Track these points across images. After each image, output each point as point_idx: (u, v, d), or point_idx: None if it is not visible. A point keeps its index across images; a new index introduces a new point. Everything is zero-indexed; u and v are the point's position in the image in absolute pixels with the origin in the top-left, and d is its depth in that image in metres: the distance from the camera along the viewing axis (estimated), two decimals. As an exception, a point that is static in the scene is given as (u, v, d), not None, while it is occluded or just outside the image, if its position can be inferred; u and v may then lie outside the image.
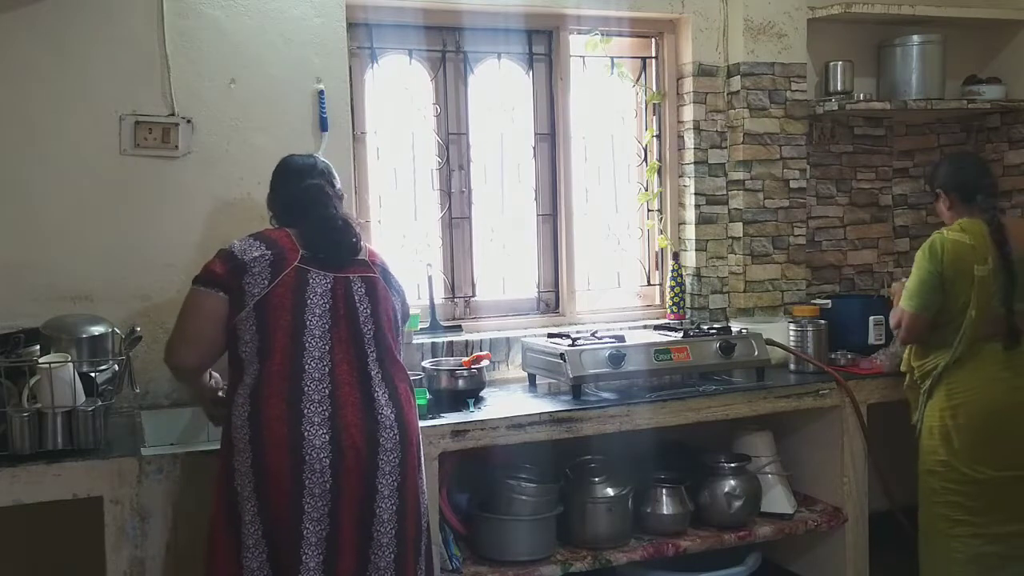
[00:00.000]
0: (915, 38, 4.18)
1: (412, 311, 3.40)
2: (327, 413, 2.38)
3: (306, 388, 2.39)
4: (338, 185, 2.76)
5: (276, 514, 2.35)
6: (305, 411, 2.37)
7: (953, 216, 3.26)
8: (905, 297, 3.20)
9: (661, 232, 4.14)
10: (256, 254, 2.46)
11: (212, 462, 2.64)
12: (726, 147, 4.07)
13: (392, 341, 2.57)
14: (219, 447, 2.48)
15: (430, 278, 3.70)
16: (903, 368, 3.34)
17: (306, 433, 2.35)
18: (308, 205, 2.59)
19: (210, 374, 2.74)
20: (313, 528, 2.35)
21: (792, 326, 3.67)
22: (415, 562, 2.52)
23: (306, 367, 2.40)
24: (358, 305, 2.50)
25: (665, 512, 3.32)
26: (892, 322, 3.33)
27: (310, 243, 2.51)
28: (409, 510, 2.49)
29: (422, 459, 2.58)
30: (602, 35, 3.92)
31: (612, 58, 4.05)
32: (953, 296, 3.12)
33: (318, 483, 2.35)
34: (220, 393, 2.71)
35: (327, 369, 2.42)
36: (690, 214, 4.06)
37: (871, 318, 3.82)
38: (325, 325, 2.44)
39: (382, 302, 2.55)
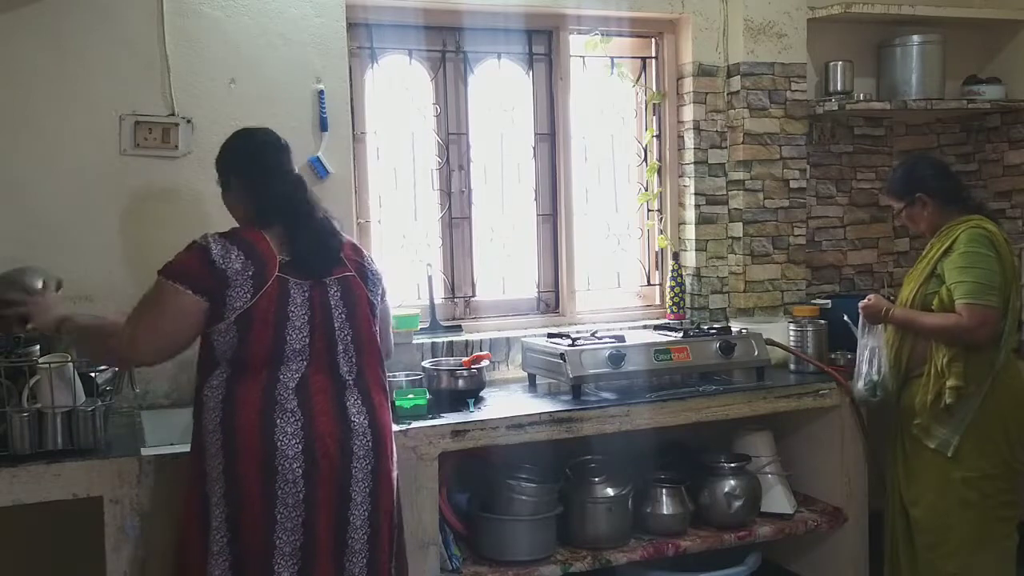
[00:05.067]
0: (915, 38, 4.19)
1: (412, 311, 3.42)
2: (299, 423, 2.34)
3: (279, 398, 2.34)
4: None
5: (246, 523, 2.31)
6: (278, 421, 2.32)
7: (933, 220, 3.21)
8: (983, 292, 3.00)
9: (661, 232, 4.14)
10: (238, 266, 2.33)
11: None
12: (726, 147, 4.07)
13: (370, 342, 2.50)
14: (190, 448, 2.43)
15: (430, 278, 3.70)
16: (931, 395, 3.10)
17: (279, 444, 2.31)
18: (295, 207, 2.44)
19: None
20: (287, 538, 2.32)
21: (792, 326, 3.67)
22: (388, 564, 2.50)
23: (281, 378, 2.36)
24: (333, 311, 2.43)
25: (665, 512, 3.32)
26: (972, 323, 2.99)
27: (293, 249, 2.40)
28: (382, 513, 2.46)
29: (394, 460, 2.54)
30: (602, 35, 3.92)
31: (612, 58, 4.05)
32: (1004, 288, 3.06)
33: (291, 493, 2.32)
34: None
35: (301, 379, 2.37)
36: (690, 214, 4.06)
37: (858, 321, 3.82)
38: (305, 339, 2.39)
39: (359, 303, 2.48)
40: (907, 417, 3.22)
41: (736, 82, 4.00)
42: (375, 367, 2.53)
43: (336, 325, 2.44)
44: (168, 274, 2.35)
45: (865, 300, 3.32)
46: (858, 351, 3.33)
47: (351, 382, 2.45)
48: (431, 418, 2.98)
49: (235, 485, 2.31)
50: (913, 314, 3.18)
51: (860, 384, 3.32)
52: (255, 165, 2.51)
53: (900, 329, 3.24)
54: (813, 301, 4.00)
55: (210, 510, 2.34)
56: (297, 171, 2.56)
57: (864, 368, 3.30)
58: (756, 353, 3.47)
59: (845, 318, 3.40)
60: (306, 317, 2.39)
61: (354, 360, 2.46)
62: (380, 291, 2.61)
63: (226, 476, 2.32)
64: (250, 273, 2.34)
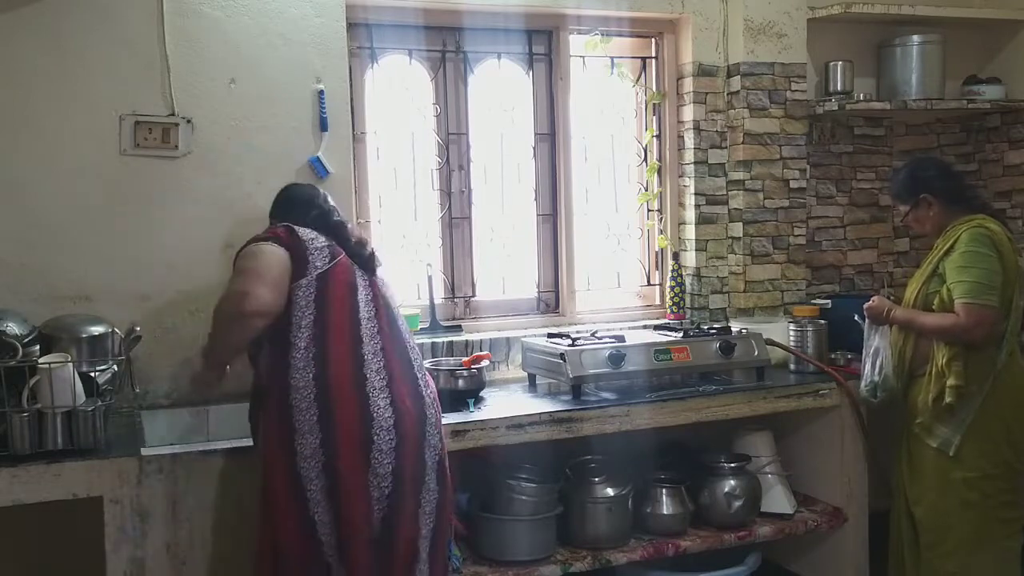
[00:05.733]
0: (915, 38, 4.19)
1: (412, 311, 3.42)
2: (385, 381, 2.54)
3: (366, 356, 2.54)
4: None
5: (343, 466, 2.44)
6: (368, 376, 2.52)
7: (939, 220, 3.21)
8: (981, 292, 3.00)
9: (661, 232, 4.14)
10: (312, 236, 2.63)
11: (213, 462, 2.65)
12: (726, 147, 4.07)
13: (410, 342, 2.74)
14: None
15: (430, 278, 3.70)
16: (932, 394, 3.10)
17: (371, 395, 2.50)
18: (329, 226, 2.74)
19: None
20: (376, 483, 2.47)
21: (792, 326, 3.67)
22: (445, 534, 2.65)
23: (363, 338, 2.56)
24: (391, 302, 2.73)
25: (665, 512, 3.32)
26: (969, 322, 3.00)
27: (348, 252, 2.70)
28: (446, 484, 2.64)
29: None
30: (602, 35, 3.92)
31: (612, 58, 4.05)
32: (1006, 287, 3.06)
33: (385, 440, 2.48)
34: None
35: (379, 346, 2.58)
36: (690, 214, 4.06)
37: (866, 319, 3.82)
38: (371, 311, 2.62)
39: (398, 307, 2.77)
40: (910, 416, 3.22)
41: (736, 82, 4.00)
42: (418, 363, 2.74)
43: (394, 314, 2.71)
44: (257, 239, 2.61)
45: (869, 301, 3.32)
46: (863, 352, 3.33)
47: (418, 362, 2.69)
48: (431, 418, 2.98)
49: (333, 434, 2.44)
50: (914, 314, 3.19)
51: (862, 385, 3.33)
52: (288, 208, 2.85)
53: (903, 329, 3.25)
54: (813, 301, 4.00)
55: (302, 463, 2.44)
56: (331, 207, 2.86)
57: (866, 369, 3.31)
58: (756, 353, 3.47)
59: (856, 318, 3.40)
60: (368, 296, 2.64)
61: (411, 346, 2.72)
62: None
63: (322, 426, 2.44)
64: (324, 243, 2.63)
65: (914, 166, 3.38)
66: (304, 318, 2.52)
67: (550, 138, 3.96)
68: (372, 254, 2.74)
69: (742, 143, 4.00)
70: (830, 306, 3.87)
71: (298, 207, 2.81)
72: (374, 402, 2.49)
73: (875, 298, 3.34)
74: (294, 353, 2.50)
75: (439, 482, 2.61)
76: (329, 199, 2.89)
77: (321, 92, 3.36)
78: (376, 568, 2.48)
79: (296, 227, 2.64)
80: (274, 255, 2.55)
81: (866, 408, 3.47)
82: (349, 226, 2.80)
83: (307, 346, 2.50)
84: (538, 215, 3.98)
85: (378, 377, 2.53)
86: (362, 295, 2.62)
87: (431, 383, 2.72)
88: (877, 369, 3.27)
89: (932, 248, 3.25)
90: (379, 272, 2.75)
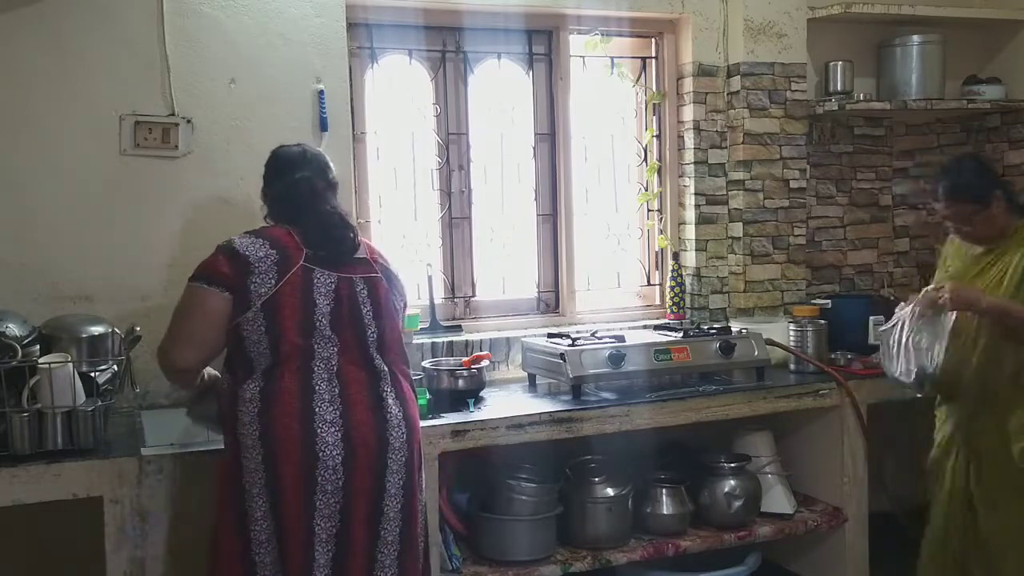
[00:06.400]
0: (915, 38, 4.19)
1: (412, 311, 3.41)
2: (338, 412, 2.40)
3: (317, 387, 2.40)
4: (332, 175, 2.67)
5: (287, 511, 2.36)
6: (317, 409, 2.38)
7: (1004, 220, 2.95)
8: None
9: (661, 232, 4.14)
10: (261, 253, 2.43)
11: (212, 462, 2.63)
12: (726, 147, 4.07)
13: (395, 340, 2.58)
14: (221, 446, 2.48)
15: (430, 278, 3.70)
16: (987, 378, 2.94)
17: (319, 431, 2.37)
18: (301, 200, 2.56)
19: (204, 374, 2.70)
20: (324, 525, 2.37)
21: (792, 326, 3.67)
22: (416, 560, 2.54)
23: (315, 368, 2.42)
24: (362, 306, 2.51)
25: (665, 512, 3.32)
26: None
27: (311, 241, 2.50)
28: (413, 508, 2.51)
29: (423, 458, 2.61)
30: (602, 35, 3.92)
31: (612, 58, 4.05)
32: None
33: (331, 480, 2.37)
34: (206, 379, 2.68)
35: (336, 369, 2.44)
36: (690, 214, 4.06)
37: (871, 318, 3.82)
38: (333, 325, 2.45)
39: (384, 302, 2.56)
40: (1011, 439, 2.94)
41: (736, 82, 4.00)
42: (402, 365, 2.60)
43: (365, 320, 2.51)
44: (193, 278, 2.47)
45: (950, 285, 2.99)
46: (906, 338, 3.00)
47: (385, 375, 2.50)
48: (431, 418, 2.98)
49: (276, 474, 2.35)
50: (1009, 304, 2.89)
51: (909, 374, 3.02)
52: (270, 170, 2.68)
53: (989, 332, 2.96)
54: (813, 301, 4.00)
55: (250, 501, 2.37)
56: (308, 174, 2.61)
57: (912, 361, 3.00)
58: (756, 353, 3.47)
59: (870, 320, 3.35)
60: (331, 306, 2.46)
61: (382, 355, 2.52)
62: (402, 296, 2.70)
63: (266, 466, 2.36)
64: (274, 259, 2.43)
65: (976, 162, 3.08)
66: (255, 351, 2.41)
67: (550, 138, 3.96)
68: (340, 239, 2.52)
69: (742, 143, 4.00)
70: (830, 306, 3.87)
71: (283, 170, 2.63)
72: (322, 439, 2.36)
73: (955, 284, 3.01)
74: (244, 385, 2.40)
75: (404, 508, 2.47)
76: (320, 161, 2.66)
77: (321, 92, 3.36)
78: None
79: (248, 242, 2.45)
80: (206, 307, 2.42)
81: (866, 408, 3.47)
82: (329, 205, 2.58)
83: (255, 380, 2.40)
84: (538, 215, 3.98)
85: (330, 408, 2.39)
86: (323, 306, 2.44)
87: (407, 393, 2.55)
88: (931, 361, 2.96)
89: (987, 254, 3.01)
90: (364, 255, 2.56)
